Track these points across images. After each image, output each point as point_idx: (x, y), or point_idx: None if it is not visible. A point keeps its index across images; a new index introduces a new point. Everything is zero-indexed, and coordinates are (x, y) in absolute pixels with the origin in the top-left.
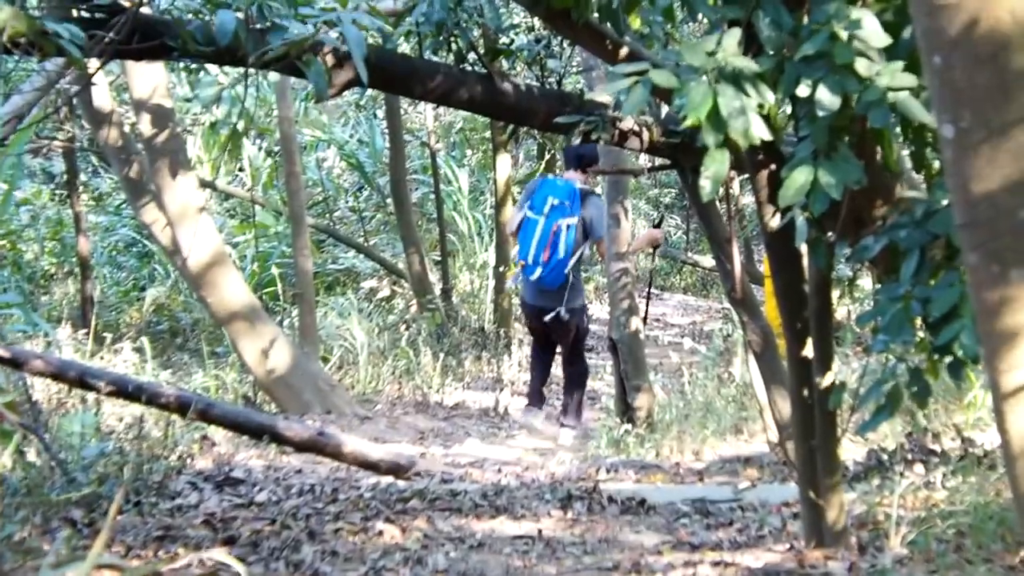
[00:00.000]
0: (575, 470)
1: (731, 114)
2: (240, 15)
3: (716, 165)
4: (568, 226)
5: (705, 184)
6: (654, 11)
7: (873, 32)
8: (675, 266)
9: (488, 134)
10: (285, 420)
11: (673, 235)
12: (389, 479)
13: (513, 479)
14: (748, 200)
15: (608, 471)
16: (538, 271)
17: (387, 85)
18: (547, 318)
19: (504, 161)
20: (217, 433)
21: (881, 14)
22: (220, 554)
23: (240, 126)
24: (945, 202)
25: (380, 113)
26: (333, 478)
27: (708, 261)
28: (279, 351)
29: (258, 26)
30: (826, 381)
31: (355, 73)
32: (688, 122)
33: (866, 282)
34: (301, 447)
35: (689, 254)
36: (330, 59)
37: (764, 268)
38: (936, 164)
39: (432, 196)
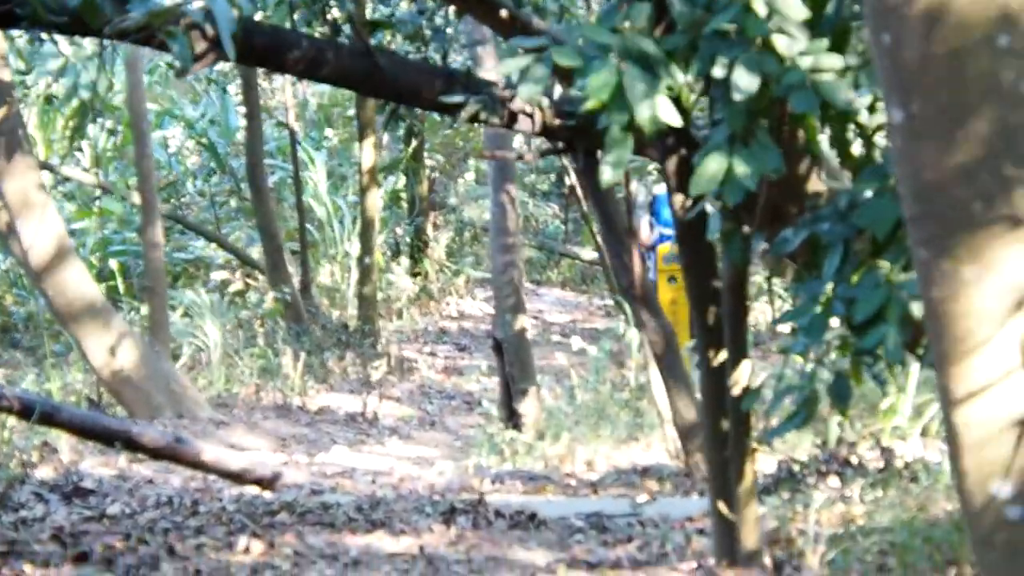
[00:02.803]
0: (456, 481)
1: (637, 97)
2: None
3: (618, 150)
4: None
5: (606, 170)
6: None
7: (791, 3)
8: (552, 258)
9: (352, 112)
10: (139, 425)
11: (550, 225)
12: (253, 490)
13: (389, 490)
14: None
15: (493, 482)
16: None
17: (256, 59)
18: None
19: (370, 143)
20: (59, 439)
21: None
22: (71, 572)
23: (87, 103)
24: (869, 193)
25: (232, 88)
26: (192, 489)
27: (588, 253)
28: (127, 350)
29: None
30: (740, 384)
31: (221, 45)
32: (590, 104)
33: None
34: (157, 455)
35: (568, 246)
36: (195, 31)
37: (657, 263)
38: (860, 151)
39: (289, 181)
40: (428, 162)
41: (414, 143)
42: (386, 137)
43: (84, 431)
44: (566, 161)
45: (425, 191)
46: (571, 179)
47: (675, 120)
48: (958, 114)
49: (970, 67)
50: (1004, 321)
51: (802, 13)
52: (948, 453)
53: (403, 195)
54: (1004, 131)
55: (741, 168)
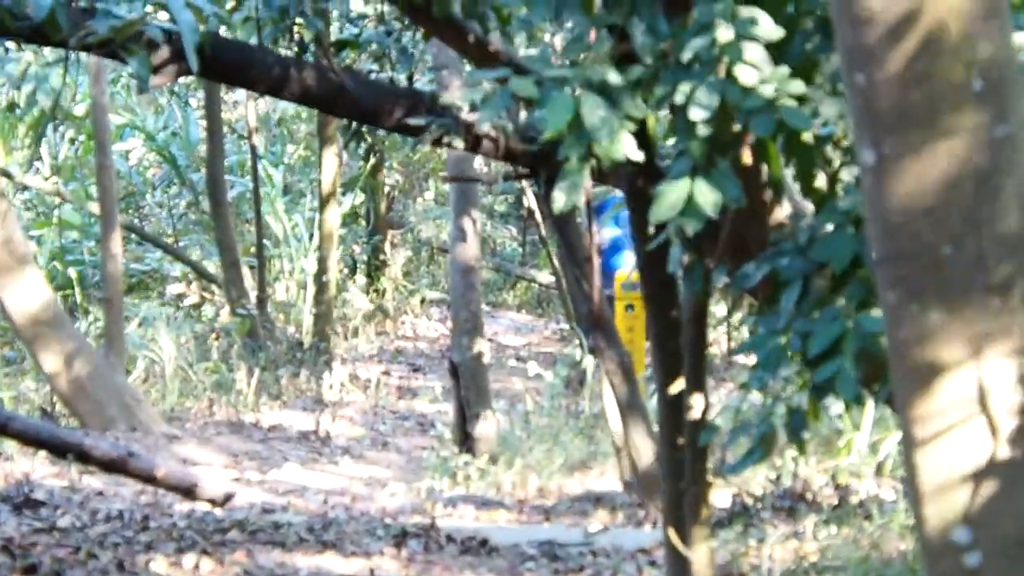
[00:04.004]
0: (409, 504)
1: (595, 128)
2: None
3: (572, 176)
4: None
5: (559, 197)
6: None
7: (766, 28)
8: (509, 280)
9: (314, 128)
10: (92, 438)
11: (508, 246)
12: (204, 506)
13: (341, 511)
14: None
15: (446, 506)
16: None
17: (220, 75)
18: None
19: (330, 159)
20: (8, 447)
21: None
22: None
23: (48, 111)
24: (831, 227)
25: (195, 101)
26: (143, 503)
27: (545, 277)
28: (82, 361)
29: (81, 4)
30: (696, 415)
31: (185, 61)
32: (547, 134)
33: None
34: (110, 468)
35: (525, 268)
36: (160, 45)
37: (616, 291)
38: (823, 185)
39: (248, 195)
40: (387, 180)
41: (373, 160)
42: (345, 154)
43: (38, 442)
44: (525, 183)
45: (383, 209)
46: (529, 201)
47: (635, 154)
48: (930, 156)
49: (943, 110)
50: (968, 366)
51: (777, 33)
52: (909, 496)
53: (360, 212)
54: (975, 174)
55: (702, 196)
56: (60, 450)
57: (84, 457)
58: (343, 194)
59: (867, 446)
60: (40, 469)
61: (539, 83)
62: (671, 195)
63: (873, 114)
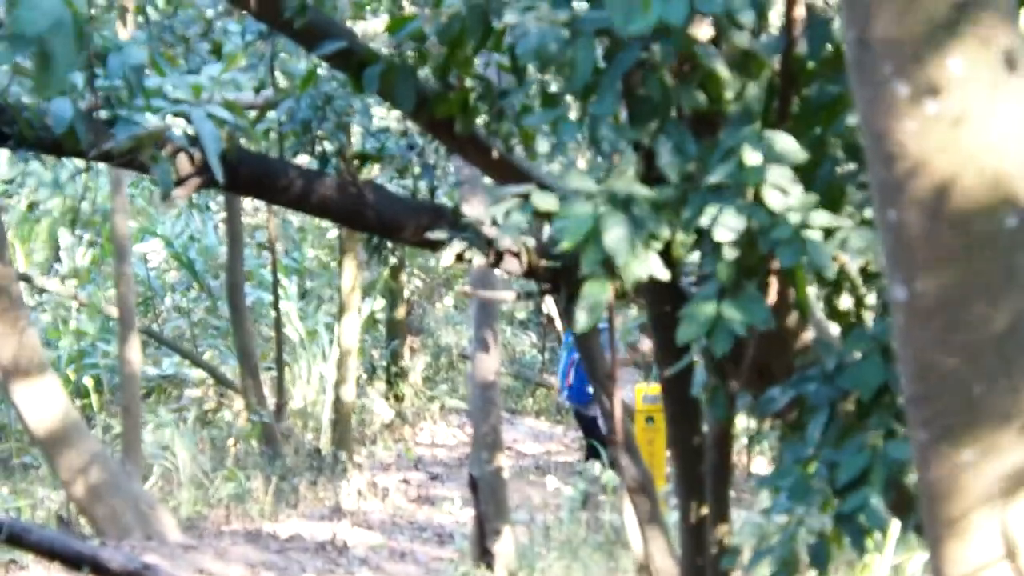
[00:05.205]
0: None
1: (613, 239)
2: (82, 104)
3: (594, 295)
4: None
5: (580, 315)
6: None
7: (792, 150)
8: (528, 388)
9: (332, 231)
10: (108, 550)
11: (527, 354)
12: None
13: None
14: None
15: None
16: None
17: (243, 187)
18: None
19: (350, 265)
20: (26, 556)
21: None
22: None
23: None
24: (858, 355)
25: (214, 205)
26: None
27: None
28: (98, 468)
29: (102, 115)
30: (720, 538)
31: (208, 172)
32: (564, 245)
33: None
34: None
35: (544, 375)
36: (182, 156)
37: (636, 403)
38: (850, 311)
39: (266, 301)
40: (407, 285)
41: (392, 261)
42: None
43: (53, 554)
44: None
45: (403, 314)
46: (549, 309)
47: (661, 273)
48: (963, 294)
49: (976, 247)
50: (1000, 506)
51: (801, 156)
52: None
53: (379, 318)
54: (1010, 313)
55: (730, 315)
56: (76, 562)
57: (99, 569)
58: (362, 299)
59: (891, 568)
60: None
61: (562, 198)
62: (700, 314)
63: (905, 250)
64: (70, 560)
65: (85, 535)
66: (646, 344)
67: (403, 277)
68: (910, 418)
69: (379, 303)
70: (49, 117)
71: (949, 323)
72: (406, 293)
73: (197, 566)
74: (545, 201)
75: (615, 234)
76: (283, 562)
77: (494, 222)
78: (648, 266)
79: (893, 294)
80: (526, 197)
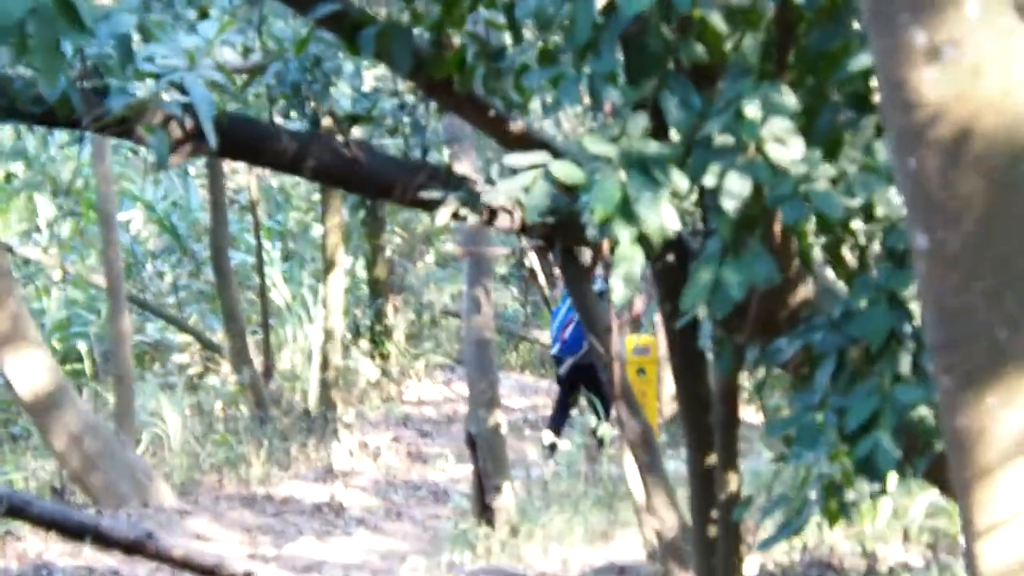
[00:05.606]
0: None
1: (643, 206)
2: (73, 73)
3: (628, 264)
4: None
5: (617, 287)
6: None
7: (789, 100)
8: (511, 342)
9: (313, 192)
10: (109, 520)
11: (509, 308)
12: None
13: None
14: None
15: None
16: None
17: (234, 152)
18: None
19: (333, 226)
20: (22, 527)
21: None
22: None
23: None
24: (864, 303)
25: (193, 170)
26: None
27: (548, 337)
28: (92, 438)
29: (94, 84)
30: (730, 490)
31: (200, 138)
32: (597, 216)
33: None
34: (129, 550)
35: (527, 329)
36: (173, 123)
37: (627, 355)
38: (852, 261)
39: (249, 264)
40: (389, 244)
41: (362, 213)
42: (347, 215)
43: (54, 525)
44: (525, 243)
45: (385, 274)
46: (530, 262)
47: (676, 225)
48: (984, 240)
49: (996, 192)
50: None
51: (795, 105)
52: None
53: (361, 276)
54: None
55: (729, 279)
56: (78, 533)
57: (102, 539)
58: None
59: (892, 511)
60: (53, 548)
61: (579, 165)
62: (701, 278)
63: (925, 198)
64: (73, 532)
65: (80, 505)
66: (638, 304)
67: (383, 236)
68: (934, 366)
69: (360, 262)
70: (41, 87)
71: (971, 269)
72: (387, 252)
73: (194, 531)
74: (567, 172)
75: (643, 196)
76: (280, 525)
77: (487, 180)
78: (670, 222)
79: (914, 242)
80: (541, 166)
